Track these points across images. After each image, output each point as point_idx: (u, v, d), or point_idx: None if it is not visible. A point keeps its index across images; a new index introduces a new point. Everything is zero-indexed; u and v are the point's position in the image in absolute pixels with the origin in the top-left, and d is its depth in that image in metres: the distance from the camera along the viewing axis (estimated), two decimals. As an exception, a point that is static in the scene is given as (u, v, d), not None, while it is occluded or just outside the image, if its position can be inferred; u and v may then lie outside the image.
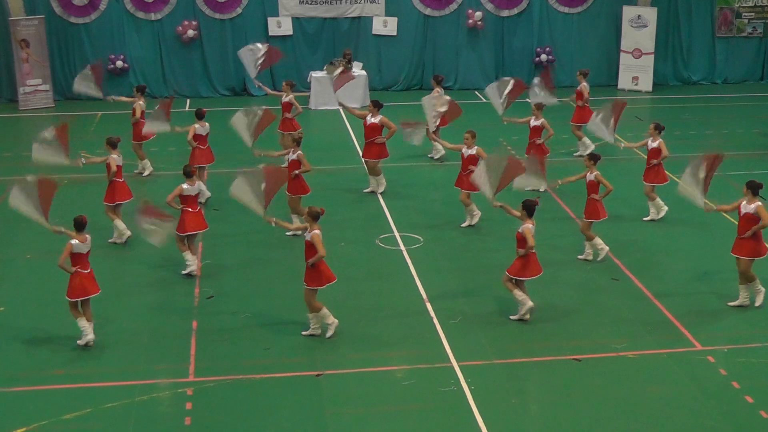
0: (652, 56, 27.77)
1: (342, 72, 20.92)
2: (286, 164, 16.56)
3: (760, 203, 13.67)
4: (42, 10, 26.26)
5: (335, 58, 26.53)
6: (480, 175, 13.98)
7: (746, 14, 28.90)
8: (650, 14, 27.66)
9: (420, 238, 16.66)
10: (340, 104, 20.54)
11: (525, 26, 28.23)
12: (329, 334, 13.06)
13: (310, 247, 12.75)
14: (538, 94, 19.88)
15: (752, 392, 11.75)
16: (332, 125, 24.36)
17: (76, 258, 12.65)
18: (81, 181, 18.66)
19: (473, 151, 16.75)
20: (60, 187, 17.07)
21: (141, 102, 19.65)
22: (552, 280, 14.65)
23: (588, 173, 15.63)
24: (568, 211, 17.58)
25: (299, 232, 15.26)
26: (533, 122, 18.91)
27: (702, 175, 13.77)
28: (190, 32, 26.82)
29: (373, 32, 27.85)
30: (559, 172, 19.82)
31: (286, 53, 27.35)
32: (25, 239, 16.35)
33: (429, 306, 14.12)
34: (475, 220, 17.05)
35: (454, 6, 27.83)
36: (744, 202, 13.79)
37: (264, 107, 17.02)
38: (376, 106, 18.83)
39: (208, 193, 17.93)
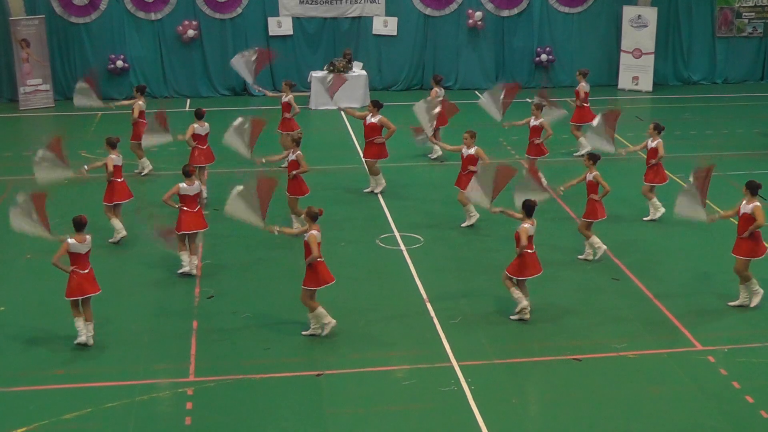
0: (653, 56, 27.77)
1: (335, 76, 20.87)
2: (286, 164, 16.58)
3: (757, 203, 13.68)
4: (42, 9, 26.26)
5: (335, 58, 26.54)
6: (473, 188, 14.15)
7: (746, 14, 28.90)
8: (650, 14, 27.66)
9: (420, 238, 16.66)
10: (340, 109, 20.56)
11: (525, 26, 28.23)
12: (324, 333, 13.07)
13: (308, 248, 12.77)
14: (547, 113, 19.64)
15: (752, 392, 11.75)
16: (332, 125, 24.36)
17: (75, 258, 12.65)
18: (81, 181, 18.65)
19: (472, 151, 16.76)
20: (60, 187, 17.22)
21: (140, 102, 19.66)
22: (552, 280, 14.65)
23: (587, 173, 15.64)
24: (569, 211, 17.58)
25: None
26: (533, 122, 18.90)
27: (697, 190, 13.81)
28: (191, 32, 26.83)
29: (374, 32, 27.85)
30: (559, 172, 19.85)
31: (287, 53, 27.50)
32: (25, 239, 16.24)
33: (429, 306, 14.12)
34: (473, 220, 17.05)
35: (454, 6, 27.83)
36: (744, 203, 13.80)
37: (251, 117, 16.92)
38: (376, 106, 18.83)
39: (204, 194, 17.92)
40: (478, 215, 16.99)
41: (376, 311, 13.98)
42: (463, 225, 17.10)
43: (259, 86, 22.28)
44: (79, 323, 12.77)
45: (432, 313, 13.88)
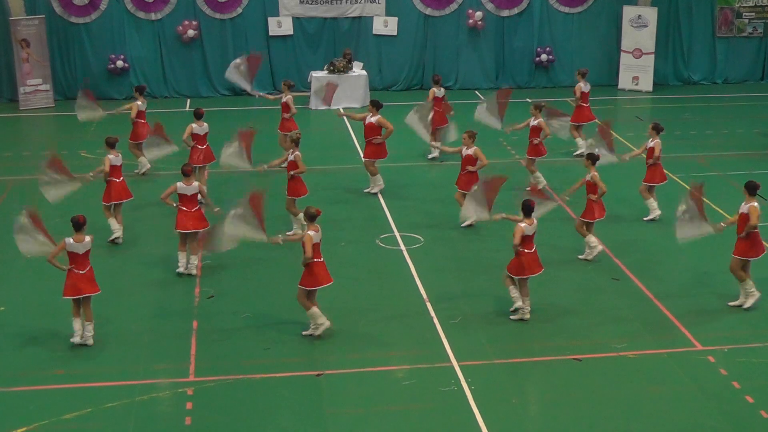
0: (653, 56, 27.75)
1: (326, 86, 20.79)
2: (286, 164, 16.58)
3: (753, 204, 13.69)
4: (42, 9, 26.25)
5: (335, 58, 26.54)
6: (467, 208, 14.17)
7: (747, 14, 28.88)
8: (650, 14, 27.64)
9: (420, 238, 16.66)
10: (341, 115, 20.55)
11: (525, 26, 28.20)
12: (316, 333, 13.07)
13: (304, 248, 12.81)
14: (556, 128, 19.54)
15: (752, 392, 11.75)
16: (332, 125, 24.34)
17: (72, 257, 12.66)
18: (81, 182, 18.63)
19: (471, 151, 16.77)
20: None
21: (139, 102, 19.66)
22: (552, 280, 14.65)
23: (588, 175, 15.66)
24: (569, 212, 17.58)
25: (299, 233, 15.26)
26: (532, 122, 18.90)
27: (694, 213, 13.81)
28: (191, 32, 26.82)
29: (374, 32, 27.83)
30: (559, 172, 19.86)
31: (287, 53, 27.50)
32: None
33: (429, 306, 14.12)
34: (472, 220, 17.04)
35: (454, 6, 27.82)
36: (743, 203, 13.82)
37: (239, 130, 16.86)
38: (375, 106, 18.83)
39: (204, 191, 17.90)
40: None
41: (376, 311, 13.98)
42: (463, 225, 17.09)
43: (259, 92, 22.28)
44: (76, 323, 12.78)
45: (432, 313, 13.88)
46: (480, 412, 11.33)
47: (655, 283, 14.87)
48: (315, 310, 13.01)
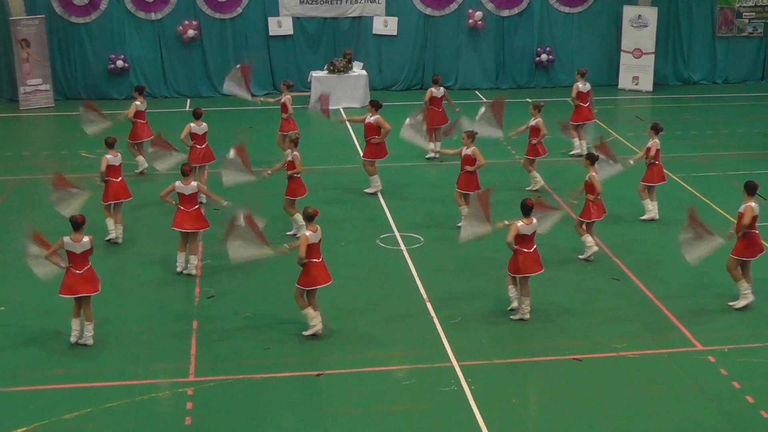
0: (653, 56, 27.75)
1: (319, 100, 20.75)
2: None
3: (750, 204, 13.70)
4: (42, 9, 26.25)
5: (335, 58, 26.53)
6: (466, 228, 14.06)
7: (747, 14, 28.87)
8: (651, 14, 27.64)
9: (420, 238, 16.66)
10: (343, 121, 20.50)
11: (525, 26, 28.19)
12: (307, 333, 13.07)
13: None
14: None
15: (752, 392, 11.75)
16: (332, 125, 24.28)
17: (70, 257, 12.67)
18: (81, 182, 18.63)
19: (470, 151, 16.77)
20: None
21: (137, 102, 19.67)
22: (552, 280, 14.65)
23: (587, 174, 15.67)
24: (569, 212, 17.56)
25: (299, 233, 15.26)
26: (531, 123, 18.90)
27: (699, 232, 13.81)
28: (191, 32, 26.81)
29: (374, 32, 27.83)
30: (559, 171, 19.86)
31: (287, 53, 27.49)
32: (24, 240, 16.32)
33: (429, 306, 14.12)
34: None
35: (454, 6, 27.81)
36: (742, 203, 13.83)
37: (231, 147, 16.82)
38: (374, 106, 18.85)
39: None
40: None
41: (376, 311, 13.98)
42: (460, 225, 17.06)
43: (259, 97, 22.33)
44: (75, 323, 12.79)
45: (432, 313, 13.88)
46: (480, 412, 11.33)
47: (655, 283, 14.87)
48: (309, 310, 13.01)
